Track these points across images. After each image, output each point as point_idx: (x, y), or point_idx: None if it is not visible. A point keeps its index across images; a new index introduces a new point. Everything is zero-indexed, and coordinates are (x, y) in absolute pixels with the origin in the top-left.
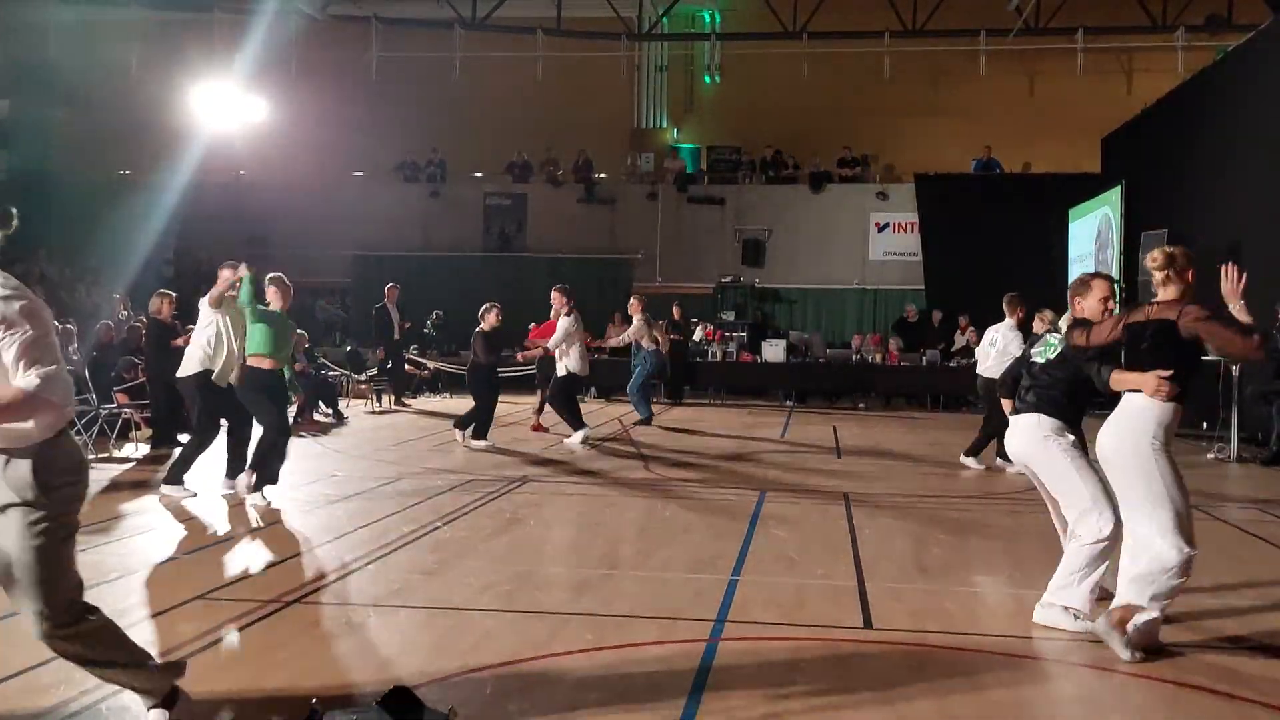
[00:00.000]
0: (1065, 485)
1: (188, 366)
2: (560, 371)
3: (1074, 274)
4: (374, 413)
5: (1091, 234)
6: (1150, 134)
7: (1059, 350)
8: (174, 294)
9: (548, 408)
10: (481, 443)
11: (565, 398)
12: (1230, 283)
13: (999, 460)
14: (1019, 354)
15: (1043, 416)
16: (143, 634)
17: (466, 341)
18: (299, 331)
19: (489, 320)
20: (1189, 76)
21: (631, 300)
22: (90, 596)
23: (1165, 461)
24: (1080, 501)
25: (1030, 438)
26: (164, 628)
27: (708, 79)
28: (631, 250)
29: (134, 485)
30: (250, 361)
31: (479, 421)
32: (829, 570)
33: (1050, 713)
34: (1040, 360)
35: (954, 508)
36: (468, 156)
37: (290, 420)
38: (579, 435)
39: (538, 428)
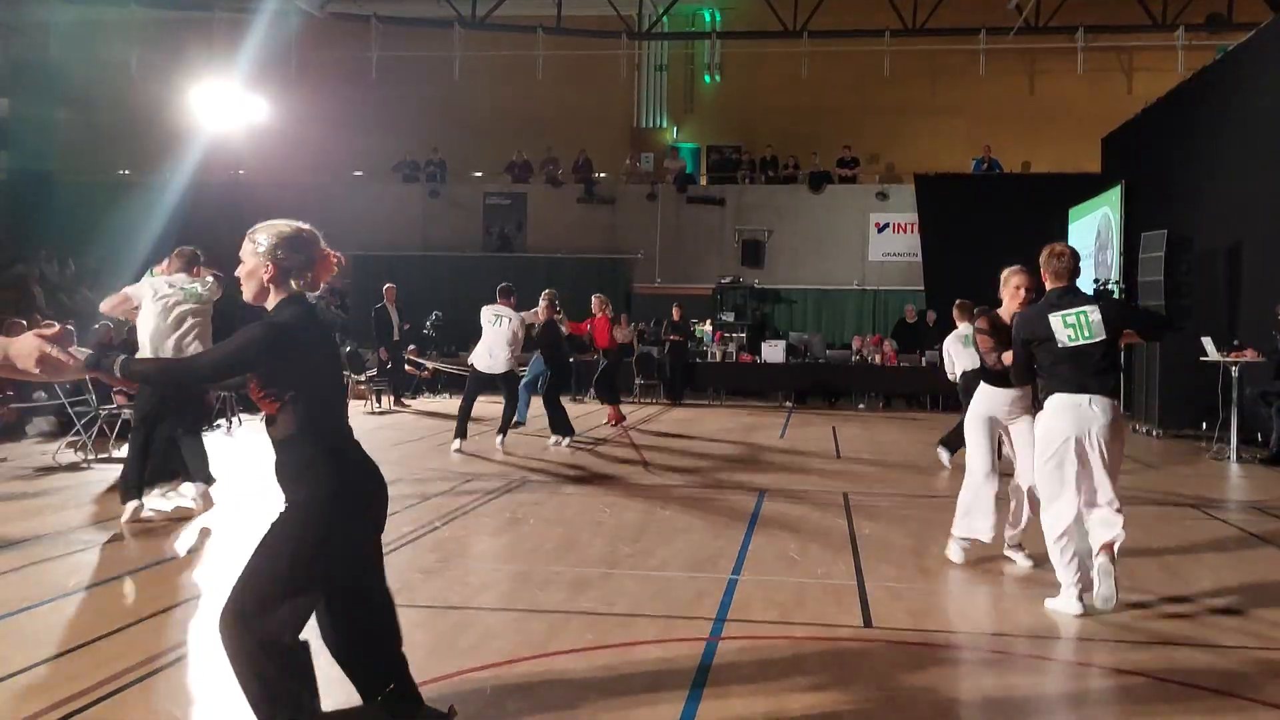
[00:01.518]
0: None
1: None
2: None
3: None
4: (373, 413)
5: (1091, 234)
6: (1150, 134)
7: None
8: None
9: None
10: (565, 439)
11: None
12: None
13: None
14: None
15: (1117, 402)
16: (146, 634)
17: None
18: None
19: (541, 316)
20: (1189, 76)
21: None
22: (92, 596)
23: None
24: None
25: (1118, 420)
26: (166, 626)
27: (708, 78)
28: (631, 250)
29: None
30: None
31: (556, 418)
32: (829, 570)
33: (1050, 711)
34: (1084, 339)
35: (953, 508)
36: (468, 156)
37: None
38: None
39: (617, 418)
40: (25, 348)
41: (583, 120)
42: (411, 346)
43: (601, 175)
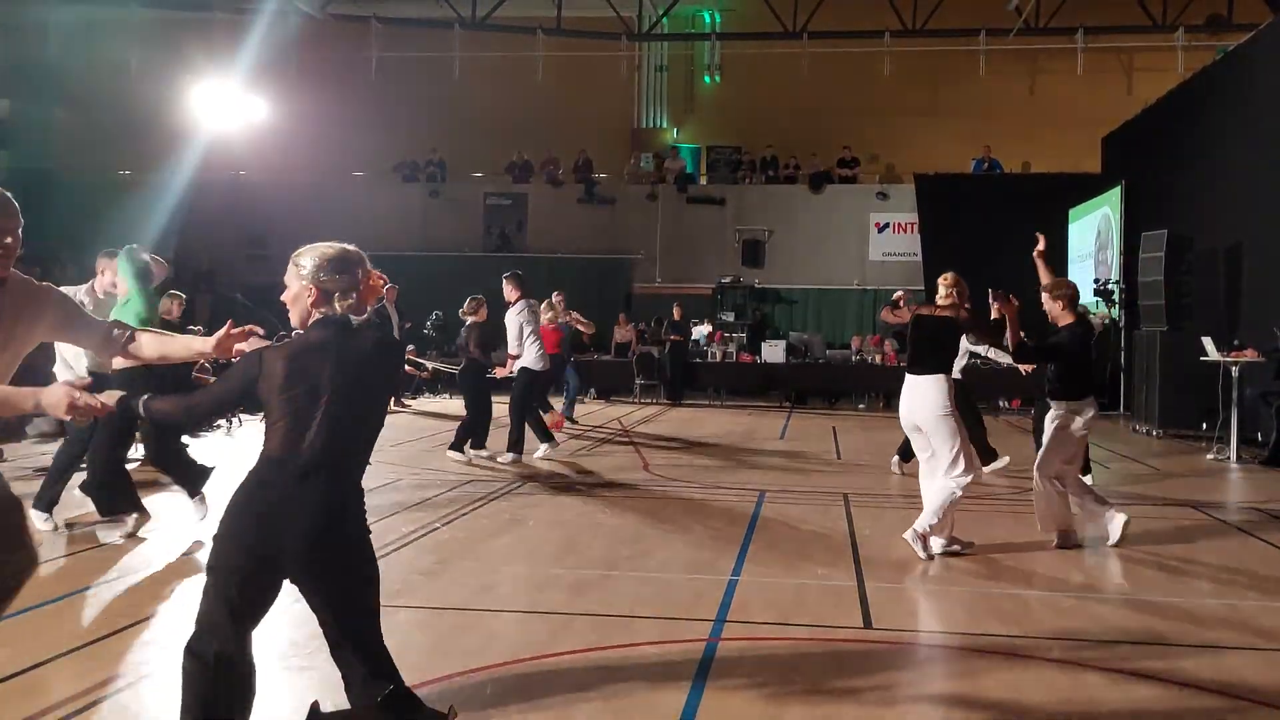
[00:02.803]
0: None
1: None
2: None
3: (1074, 274)
4: None
5: (1091, 234)
6: (1150, 134)
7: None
8: (183, 295)
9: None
10: (483, 452)
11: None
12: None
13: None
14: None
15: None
16: (148, 635)
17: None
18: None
19: (482, 314)
20: (1189, 76)
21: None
22: (91, 596)
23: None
24: None
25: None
26: (167, 627)
27: (708, 79)
28: (631, 250)
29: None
30: None
31: (476, 428)
32: (829, 570)
33: (1049, 712)
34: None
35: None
36: (468, 156)
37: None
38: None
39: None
40: (54, 397)
41: (583, 120)
42: (411, 347)
43: (602, 175)
